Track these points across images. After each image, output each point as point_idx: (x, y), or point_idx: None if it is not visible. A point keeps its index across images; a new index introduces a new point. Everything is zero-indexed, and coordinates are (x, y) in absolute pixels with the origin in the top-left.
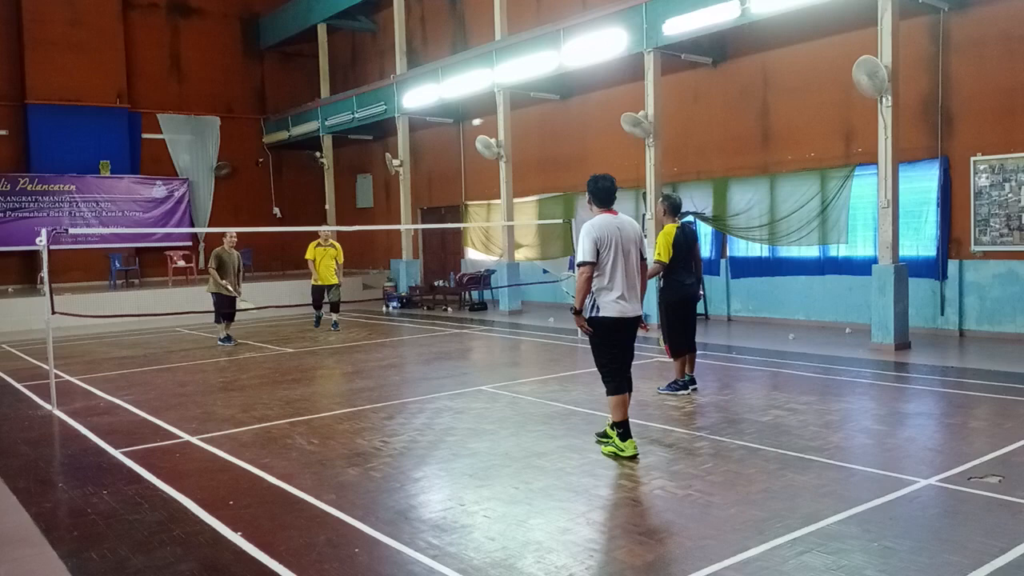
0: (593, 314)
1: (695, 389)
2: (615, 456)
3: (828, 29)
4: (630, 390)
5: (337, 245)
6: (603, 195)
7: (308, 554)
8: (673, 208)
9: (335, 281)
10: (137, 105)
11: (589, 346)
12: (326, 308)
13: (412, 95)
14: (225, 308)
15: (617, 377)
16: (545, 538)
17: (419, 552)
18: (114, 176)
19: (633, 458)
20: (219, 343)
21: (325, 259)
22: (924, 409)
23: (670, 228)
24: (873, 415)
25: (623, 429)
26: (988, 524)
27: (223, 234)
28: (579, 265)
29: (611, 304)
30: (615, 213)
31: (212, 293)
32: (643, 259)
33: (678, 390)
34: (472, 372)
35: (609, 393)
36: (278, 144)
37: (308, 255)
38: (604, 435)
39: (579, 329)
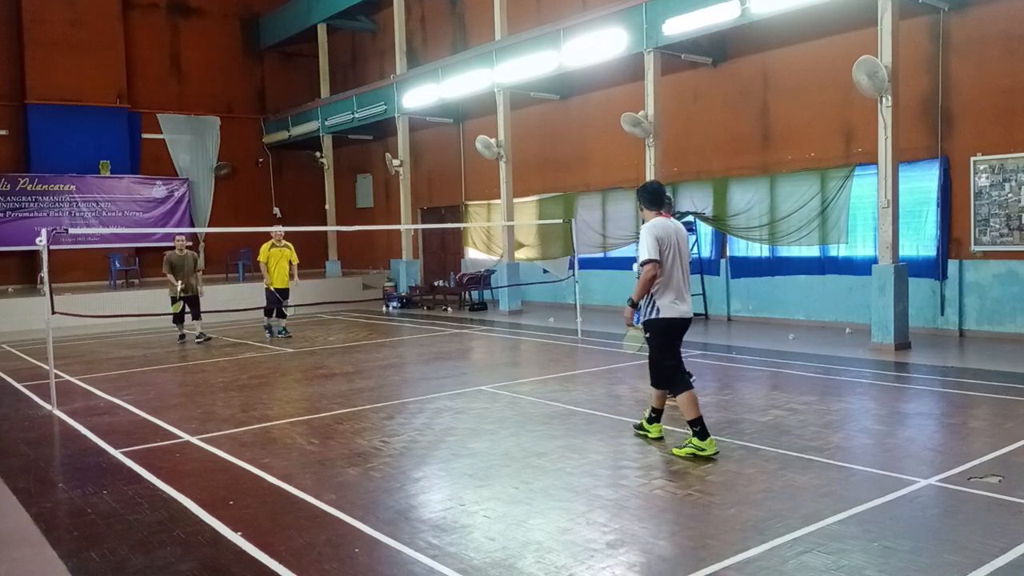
0: (653, 316)
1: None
2: (694, 457)
3: (828, 29)
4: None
5: (290, 245)
6: (652, 196)
7: (308, 554)
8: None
9: (288, 284)
10: (137, 105)
11: (651, 347)
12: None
13: (412, 95)
14: (187, 307)
15: (681, 375)
16: (545, 538)
17: (419, 552)
18: (114, 176)
19: (714, 456)
20: (180, 341)
21: (281, 261)
22: (924, 409)
23: None
24: (873, 415)
25: (700, 427)
26: (988, 524)
27: (175, 238)
28: (643, 264)
29: (671, 305)
30: (669, 216)
31: (172, 297)
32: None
33: None
34: (472, 372)
35: (677, 392)
36: (278, 144)
37: (261, 257)
38: (684, 442)
39: (624, 320)
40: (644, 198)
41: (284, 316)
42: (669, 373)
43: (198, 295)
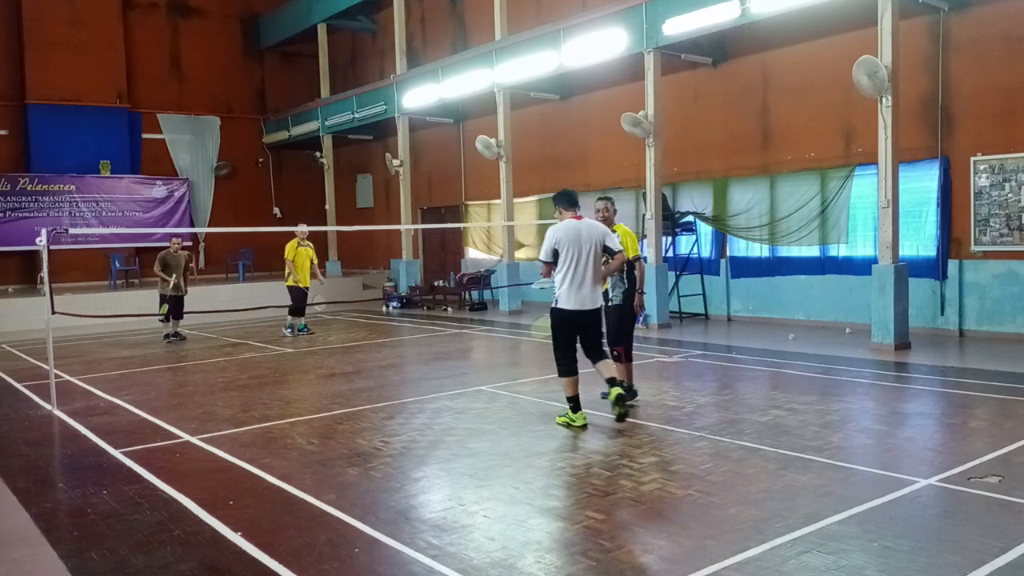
0: (553, 305)
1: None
2: (567, 425)
3: (828, 29)
4: (604, 358)
5: (311, 244)
6: (562, 199)
7: (308, 554)
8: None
9: (309, 283)
10: (137, 105)
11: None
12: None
13: (412, 95)
14: (172, 307)
15: (568, 361)
16: (545, 538)
17: (419, 552)
18: (114, 176)
19: (583, 427)
20: (166, 339)
21: (306, 259)
22: (924, 409)
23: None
24: (873, 415)
25: (575, 403)
26: (988, 524)
27: (171, 238)
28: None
29: (566, 298)
30: (580, 218)
31: (160, 294)
32: (614, 253)
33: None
34: (472, 372)
35: (561, 375)
36: (278, 144)
37: (288, 255)
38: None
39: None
40: (560, 201)
41: (303, 313)
42: (558, 355)
43: (183, 295)
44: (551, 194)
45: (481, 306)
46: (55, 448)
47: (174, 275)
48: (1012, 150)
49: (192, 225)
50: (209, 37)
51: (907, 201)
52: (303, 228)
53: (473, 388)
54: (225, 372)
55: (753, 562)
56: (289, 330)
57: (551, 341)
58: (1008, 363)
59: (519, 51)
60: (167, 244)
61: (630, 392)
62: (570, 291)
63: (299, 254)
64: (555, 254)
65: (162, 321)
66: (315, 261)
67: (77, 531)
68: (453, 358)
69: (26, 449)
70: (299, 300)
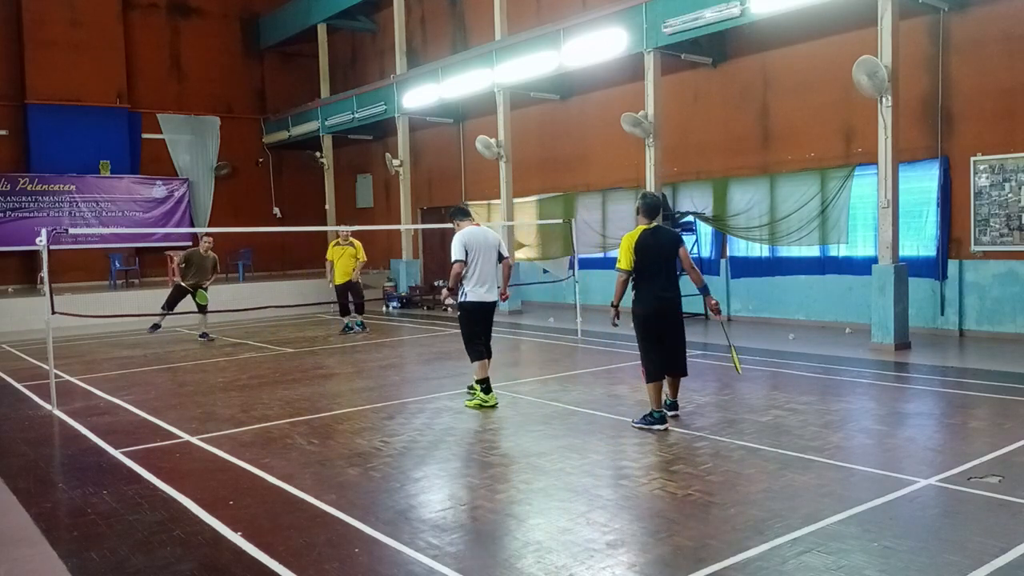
0: (462, 299)
1: (676, 415)
2: (480, 407)
3: (828, 29)
4: (489, 356)
5: (356, 243)
6: (460, 213)
7: (308, 554)
8: (647, 209)
9: (350, 277)
10: (137, 105)
11: (459, 325)
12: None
13: (412, 95)
14: (175, 301)
15: (479, 346)
16: (545, 538)
17: (419, 552)
18: (114, 176)
19: (494, 407)
20: (152, 329)
21: (344, 258)
22: (924, 409)
23: (634, 232)
24: (873, 415)
25: (485, 385)
26: (988, 524)
27: (200, 237)
28: (453, 263)
29: (475, 292)
30: (478, 224)
31: (175, 284)
32: (503, 258)
33: (653, 424)
34: (472, 372)
35: (473, 359)
36: (278, 144)
37: (328, 256)
38: (470, 388)
39: (447, 304)
40: (458, 215)
41: (361, 311)
42: (469, 342)
43: (198, 291)
44: (551, 194)
45: None
46: (55, 448)
47: (198, 275)
48: (1012, 150)
49: (192, 225)
50: (209, 37)
51: (907, 201)
52: (344, 228)
53: None
54: (225, 372)
55: (753, 562)
56: (359, 327)
57: (462, 332)
58: (1008, 363)
59: (519, 51)
60: (167, 244)
61: (672, 407)
62: (479, 286)
63: (335, 253)
64: (465, 255)
65: (164, 309)
66: (361, 259)
67: (77, 531)
68: (453, 358)
69: (26, 449)
70: (338, 298)
